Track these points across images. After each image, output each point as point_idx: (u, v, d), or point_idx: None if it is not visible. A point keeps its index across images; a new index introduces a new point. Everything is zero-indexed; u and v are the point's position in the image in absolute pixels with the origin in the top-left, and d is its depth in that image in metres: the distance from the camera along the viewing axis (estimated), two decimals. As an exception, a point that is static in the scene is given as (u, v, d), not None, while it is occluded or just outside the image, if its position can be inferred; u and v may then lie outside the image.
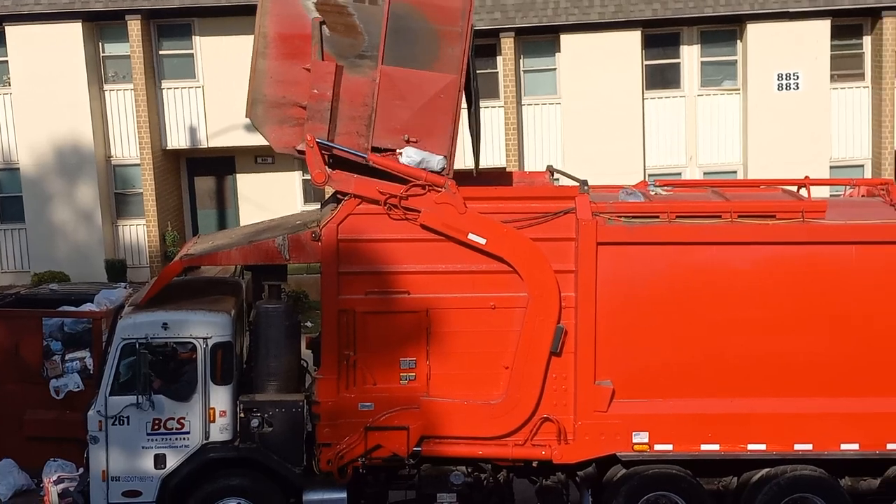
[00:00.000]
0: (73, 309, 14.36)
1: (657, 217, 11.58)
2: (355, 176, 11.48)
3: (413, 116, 11.50)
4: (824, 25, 24.61)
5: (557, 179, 14.36)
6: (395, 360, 11.53)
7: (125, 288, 15.51)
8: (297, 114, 11.59)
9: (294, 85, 11.57)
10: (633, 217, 11.58)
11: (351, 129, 11.56)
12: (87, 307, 14.34)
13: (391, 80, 11.47)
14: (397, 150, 11.51)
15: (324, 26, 11.47)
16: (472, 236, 11.35)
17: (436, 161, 11.51)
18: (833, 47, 24.91)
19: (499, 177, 14.29)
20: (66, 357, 14.09)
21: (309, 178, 12.51)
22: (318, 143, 11.39)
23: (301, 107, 11.56)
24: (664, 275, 11.38)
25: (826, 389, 11.45)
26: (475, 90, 12.75)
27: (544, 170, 14.24)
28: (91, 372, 13.80)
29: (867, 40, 25.34)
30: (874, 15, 24.80)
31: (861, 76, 25.50)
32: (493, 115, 25.06)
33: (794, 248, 11.43)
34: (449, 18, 11.61)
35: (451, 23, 11.60)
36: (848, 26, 25.20)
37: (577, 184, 11.68)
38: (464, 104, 12.01)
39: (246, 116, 11.90)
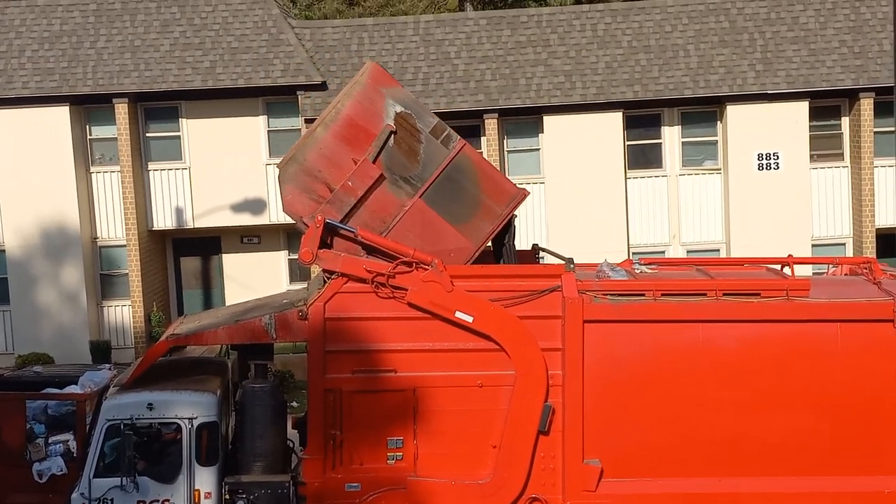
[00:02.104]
0: (56, 391, 14.24)
1: (643, 295, 11.64)
2: (343, 254, 11.54)
3: None
4: (803, 107, 25.04)
5: (543, 258, 14.44)
6: (382, 439, 11.46)
7: (110, 369, 15.40)
8: (321, 191, 11.76)
9: (335, 167, 11.76)
10: (619, 295, 11.63)
11: None
12: (70, 389, 14.23)
13: (418, 215, 11.74)
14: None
15: (392, 137, 11.74)
16: (459, 314, 11.37)
17: None
18: (812, 128, 25.32)
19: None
20: (50, 440, 13.92)
21: (295, 257, 12.58)
22: (326, 222, 11.49)
23: (329, 188, 11.74)
24: (650, 352, 11.40)
25: (813, 468, 11.41)
26: None
27: (529, 248, 14.34)
28: (74, 455, 13.63)
29: (845, 121, 25.77)
30: (851, 96, 25.26)
31: (840, 156, 25.88)
32: (477, 195, 25.23)
33: (779, 326, 11.48)
34: (497, 197, 11.98)
35: (497, 201, 11.97)
36: (826, 107, 25.65)
37: (563, 262, 11.75)
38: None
39: (277, 167, 12.15)
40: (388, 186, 11.76)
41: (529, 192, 12.72)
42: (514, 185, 12.34)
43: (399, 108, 11.85)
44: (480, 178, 11.97)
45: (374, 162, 11.69)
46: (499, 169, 24.94)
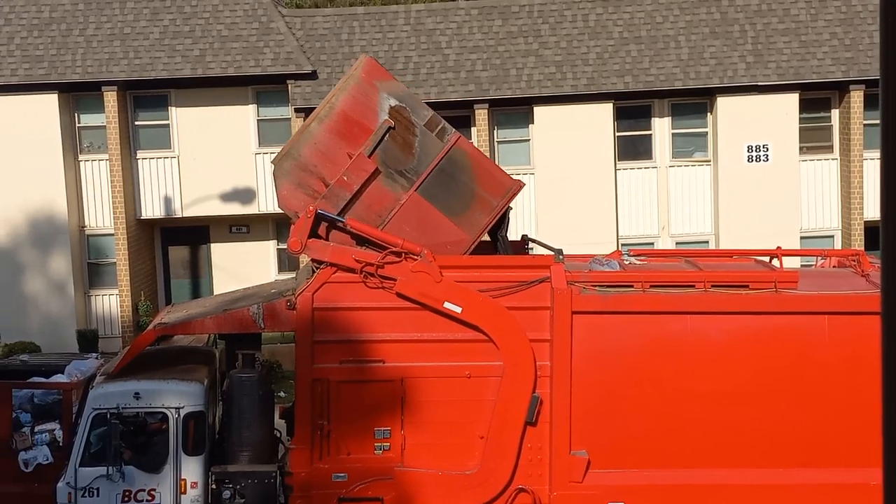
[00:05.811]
0: (43, 380, 14.18)
1: (632, 286, 11.63)
2: (331, 244, 11.51)
3: None
4: (793, 99, 25.04)
5: (532, 248, 14.42)
6: (370, 429, 11.44)
7: (96, 358, 15.34)
8: (317, 186, 11.75)
9: (330, 161, 11.74)
10: (608, 286, 11.62)
11: None
12: (57, 378, 14.16)
13: (415, 208, 11.74)
14: None
15: (389, 132, 11.72)
16: (447, 305, 11.36)
17: None
18: (802, 120, 25.32)
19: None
20: (36, 429, 13.86)
21: (284, 247, 12.56)
22: (318, 214, 11.46)
23: (324, 183, 11.71)
24: (639, 344, 11.40)
25: (801, 460, 11.43)
26: None
27: (519, 239, 14.32)
28: (60, 444, 13.58)
29: (835, 113, 25.78)
30: (841, 89, 25.27)
31: (830, 148, 25.90)
32: (467, 185, 25.21)
33: (767, 318, 11.49)
34: (493, 188, 12.01)
35: (493, 193, 12.01)
36: (816, 100, 25.65)
37: (552, 253, 11.74)
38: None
39: (272, 162, 12.14)
40: (383, 180, 11.75)
41: (525, 184, 12.71)
42: (510, 176, 12.34)
43: (394, 102, 11.82)
44: (475, 170, 11.96)
45: (369, 156, 11.68)
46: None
